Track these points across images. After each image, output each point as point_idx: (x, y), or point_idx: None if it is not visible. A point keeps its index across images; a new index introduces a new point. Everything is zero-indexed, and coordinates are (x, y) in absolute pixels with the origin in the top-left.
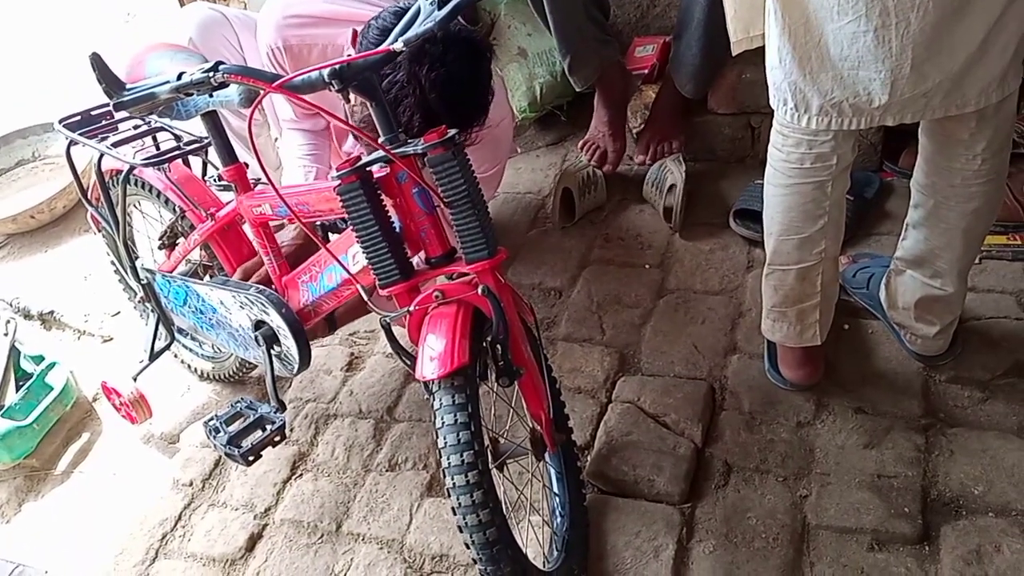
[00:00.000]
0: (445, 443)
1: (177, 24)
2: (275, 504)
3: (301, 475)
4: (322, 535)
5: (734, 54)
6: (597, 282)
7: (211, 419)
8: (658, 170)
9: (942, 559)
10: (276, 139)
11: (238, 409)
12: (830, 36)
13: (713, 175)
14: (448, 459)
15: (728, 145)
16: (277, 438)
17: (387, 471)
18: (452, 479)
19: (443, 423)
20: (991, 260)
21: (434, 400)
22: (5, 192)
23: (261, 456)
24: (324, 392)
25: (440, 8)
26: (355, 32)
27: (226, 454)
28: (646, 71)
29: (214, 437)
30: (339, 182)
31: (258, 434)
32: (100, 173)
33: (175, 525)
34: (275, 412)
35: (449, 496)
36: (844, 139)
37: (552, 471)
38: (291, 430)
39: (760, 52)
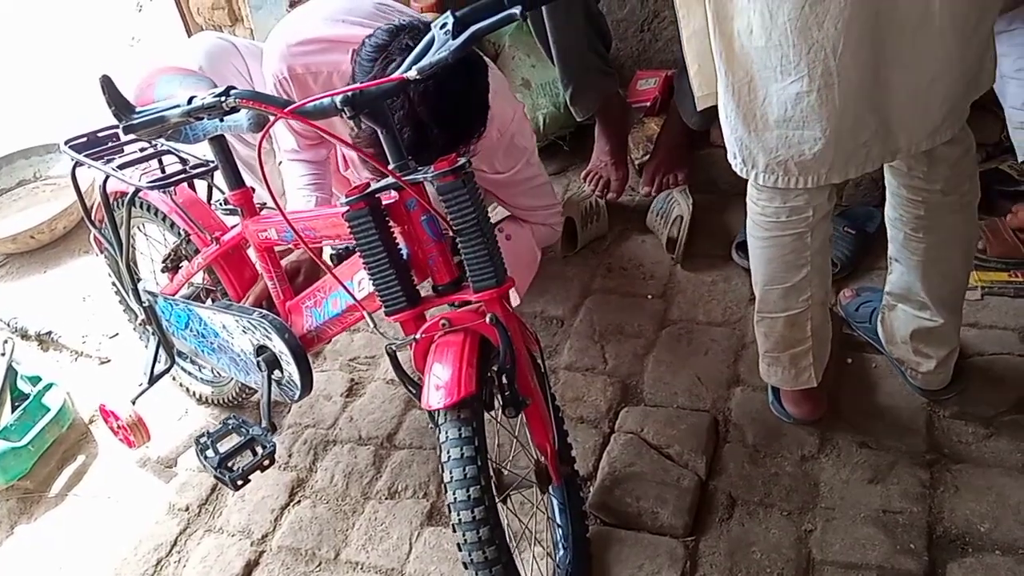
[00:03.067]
0: (451, 478)
1: (186, 52)
2: (272, 531)
3: (299, 501)
4: (320, 563)
5: (699, 109)
6: (599, 311)
7: (201, 436)
8: (664, 200)
9: None
10: (280, 162)
11: (229, 427)
12: (774, 97)
13: (715, 207)
14: (454, 494)
15: (730, 178)
16: (267, 463)
17: (387, 499)
18: (458, 515)
19: (449, 457)
20: (993, 296)
21: (440, 432)
22: (6, 212)
23: (250, 480)
24: (324, 418)
25: (455, 38)
26: (354, 52)
27: (215, 476)
28: (648, 103)
29: (204, 457)
30: (347, 208)
31: (248, 457)
32: (105, 195)
33: (170, 550)
34: (267, 435)
35: (454, 531)
36: (818, 191)
37: (555, 502)
38: (289, 455)
39: None
